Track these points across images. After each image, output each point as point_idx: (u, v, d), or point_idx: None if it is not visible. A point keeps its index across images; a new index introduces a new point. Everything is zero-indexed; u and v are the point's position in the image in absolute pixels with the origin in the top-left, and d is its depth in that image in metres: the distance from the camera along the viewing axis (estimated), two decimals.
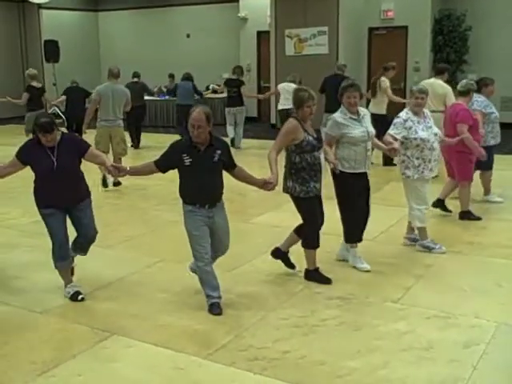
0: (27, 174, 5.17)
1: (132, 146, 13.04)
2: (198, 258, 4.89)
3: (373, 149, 5.93)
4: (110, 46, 20.09)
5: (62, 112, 14.82)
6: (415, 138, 5.97)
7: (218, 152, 4.82)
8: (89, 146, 5.17)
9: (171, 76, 16.54)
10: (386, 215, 7.38)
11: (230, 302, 5.15)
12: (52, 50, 17.87)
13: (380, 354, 4.24)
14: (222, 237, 5.03)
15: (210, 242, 4.91)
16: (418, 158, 6.02)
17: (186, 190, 4.87)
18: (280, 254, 5.71)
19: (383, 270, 5.86)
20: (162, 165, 4.90)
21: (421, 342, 4.39)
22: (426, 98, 6.09)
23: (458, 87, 7.38)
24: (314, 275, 5.54)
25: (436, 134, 6.08)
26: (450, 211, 7.49)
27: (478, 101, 7.67)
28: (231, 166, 4.99)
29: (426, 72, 14.28)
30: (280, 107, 12.26)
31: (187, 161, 4.74)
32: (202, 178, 4.76)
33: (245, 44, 17.20)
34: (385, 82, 10.51)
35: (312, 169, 5.25)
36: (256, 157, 10.96)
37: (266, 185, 5.03)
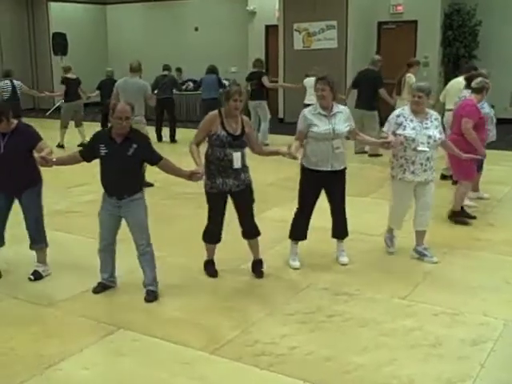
0: None
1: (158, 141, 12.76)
2: (99, 240, 5.18)
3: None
4: (117, 39, 20.07)
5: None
6: (400, 135, 5.68)
7: (134, 146, 4.94)
8: (40, 139, 5.36)
9: (178, 70, 16.51)
10: None
11: (236, 297, 5.15)
12: (60, 43, 17.88)
13: (387, 351, 4.23)
14: (133, 232, 5.10)
15: (131, 233, 5.12)
16: (401, 157, 5.77)
17: (101, 178, 5.10)
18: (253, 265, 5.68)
19: (390, 265, 5.84)
20: (84, 154, 5.14)
21: (428, 339, 4.38)
22: (424, 96, 5.70)
23: (472, 84, 7.16)
24: (207, 267, 5.63)
25: (430, 137, 5.67)
26: (474, 217, 7.19)
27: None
28: (153, 161, 5.10)
29: (435, 67, 14.23)
30: (306, 102, 11.95)
31: (103, 151, 4.95)
32: (113, 169, 4.94)
33: (253, 38, 17.14)
34: (411, 78, 10.44)
35: (220, 164, 5.23)
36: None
37: (193, 175, 5.06)
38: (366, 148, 11.16)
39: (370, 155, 11.08)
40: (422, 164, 5.73)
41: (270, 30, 16.63)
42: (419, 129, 5.70)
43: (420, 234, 6.03)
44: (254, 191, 5.48)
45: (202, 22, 18.40)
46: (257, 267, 5.60)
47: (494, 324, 4.61)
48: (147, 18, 19.44)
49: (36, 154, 5.20)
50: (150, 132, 10.20)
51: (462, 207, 7.16)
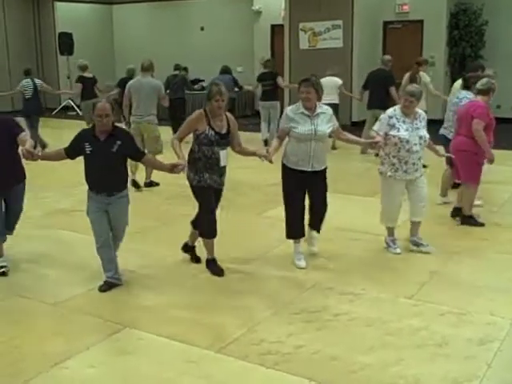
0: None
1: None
2: (95, 239, 5.22)
3: None
4: (123, 38, 20.09)
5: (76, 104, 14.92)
6: (394, 136, 5.77)
7: (118, 143, 5.05)
8: (21, 130, 5.41)
9: (185, 69, 16.45)
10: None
11: (242, 296, 5.14)
12: (66, 43, 17.93)
13: (393, 350, 4.21)
14: (116, 224, 5.27)
15: (111, 226, 5.24)
16: (394, 157, 5.86)
17: (87, 176, 5.18)
18: (187, 248, 5.87)
19: (396, 265, 5.83)
20: (69, 152, 5.20)
21: (435, 339, 4.36)
22: (415, 101, 5.80)
23: (478, 85, 7.04)
24: (210, 265, 5.59)
25: (421, 137, 5.82)
26: (483, 224, 6.98)
27: (468, 98, 7.25)
28: (137, 156, 5.31)
29: (441, 67, 14.19)
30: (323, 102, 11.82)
31: (88, 149, 5.05)
32: (100, 167, 5.04)
33: (258, 37, 17.14)
34: (425, 76, 10.40)
35: (208, 162, 5.32)
36: None
37: (175, 168, 5.15)
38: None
39: (377, 155, 11.04)
40: (414, 164, 5.87)
41: (276, 30, 16.63)
42: (411, 130, 5.82)
43: (415, 225, 6.15)
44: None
45: (208, 22, 18.41)
46: (213, 265, 5.61)
47: (500, 324, 4.59)
48: (153, 17, 19.47)
49: (21, 148, 5.21)
50: (166, 131, 10.21)
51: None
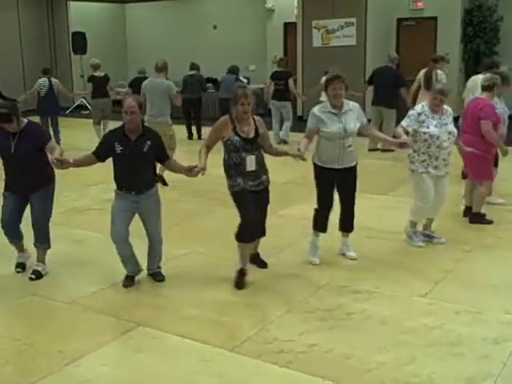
0: None
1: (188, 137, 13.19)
2: (112, 236, 5.21)
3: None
4: (136, 37, 20.15)
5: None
6: (424, 133, 5.83)
7: (148, 143, 5.07)
8: (49, 139, 5.40)
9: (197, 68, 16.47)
10: None
11: (256, 294, 5.14)
12: (79, 42, 18.00)
13: (407, 349, 4.19)
14: (147, 223, 5.30)
15: (143, 225, 5.31)
16: (424, 153, 5.90)
17: (116, 175, 5.17)
18: (254, 259, 5.66)
19: (411, 263, 5.79)
20: (99, 154, 5.17)
21: (449, 338, 4.33)
22: (445, 100, 5.87)
23: (482, 81, 7.00)
24: (239, 277, 5.32)
25: (450, 133, 5.89)
26: (491, 222, 6.91)
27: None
28: (163, 158, 5.28)
29: (455, 64, 14.07)
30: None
31: (118, 149, 5.03)
32: (130, 166, 5.04)
33: (271, 35, 17.11)
34: (442, 74, 10.35)
35: (238, 168, 5.15)
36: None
37: (192, 170, 5.11)
38: (379, 145, 11.18)
39: (383, 150, 11.09)
40: (444, 159, 5.92)
41: (289, 28, 16.60)
42: (440, 126, 5.85)
43: (430, 221, 6.29)
44: (269, 193, 5.41)
45: (221, 20, 18.41)
46: (258, 259, 5.65)
47: None
48: (165, 16, 19.50)
49: (50, 156, 5.14)
50: (181, 130, 10.18)
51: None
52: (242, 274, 5.31)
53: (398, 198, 7.97)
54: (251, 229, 5.25)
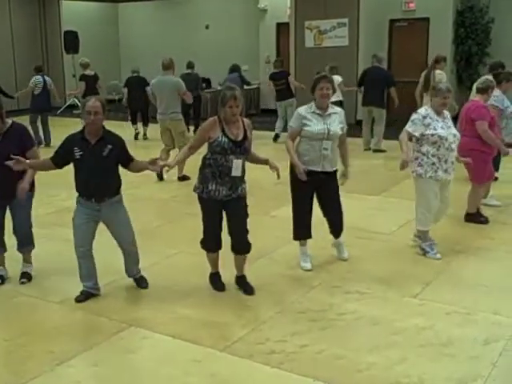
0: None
1: None
2: (75, 248, 5.02)
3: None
4: (129, 37, 20.11)
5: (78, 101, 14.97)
6: (433, 135, 5.68)
7: (109, 147, 4.85)
8: (34, 144, 5.26)
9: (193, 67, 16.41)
10: (405, 209, 7.30)
11: (247, 294, 5.14)
12: (71, 41, 17.96)
13: (398, 350, 4.21)
14: (118, 231, 5.08)
15: (112, 234, 5.09)
16: (433, 156, 5.72)
17: (76, 182, 4.96)
18: (239, 282, 5.31)
19: (401, 264, 5.81)
20: (57, 161, 4.93)
21: (440, 338, 4.35)
22: (450, 97, 5.81)
23: (477, 84, 7.08)
24: (213, 281, 5.30)
25: (455, 136, 5.80)
26: (488, 221, 6.98)
27: (495, 95, 7.36)
28: (126, 163, 5.02)
29: (447, 65, 14.09)
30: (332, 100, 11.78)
31: (77, 154, 4.81)
32: (90, 171, 4.81)
33: (264, 36, 17.10)
34: (442, 75, 10.32)
35: (218, 169, 4.88)
36: (274, 150, 10.96)
37: (155, 163, 4.93)
38: (371, 144, 11.36)
39: (375, 150, 11.16)
40: (452, 162, 5.82)
41: (281, 28, 16.59)
42: (446, 128, 5.76)
43: (422, 232, 6.12)
44: (247, 206, 5.11)
45: (213, 20, 18.39)
46: (243, 283, 5.25)
47: (506, 323, 4.57)
48: (158, 16, 19.47)
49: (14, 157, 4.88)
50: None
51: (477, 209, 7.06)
52: (216, 276, 5.28)
53: (389, 199, 8.00)
54: (211, 241, 5.13)
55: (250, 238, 5.10)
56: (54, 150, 5.02)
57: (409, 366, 4.00)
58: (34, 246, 5.55)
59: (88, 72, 12.68)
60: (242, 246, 5.11)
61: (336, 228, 5.80)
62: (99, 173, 4.83)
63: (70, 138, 4.94)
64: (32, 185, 5.32)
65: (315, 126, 5.42)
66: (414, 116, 5.86)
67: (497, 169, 7.67)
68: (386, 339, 4.35)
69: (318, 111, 5.46)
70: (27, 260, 5.55)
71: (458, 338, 4.35)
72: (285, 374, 3.95)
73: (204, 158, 5.02)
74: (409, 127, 5.82)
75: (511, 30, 13.93)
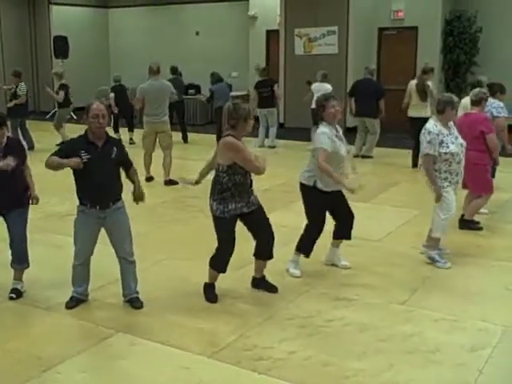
0: None
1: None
2: (74, 255, 4.98)
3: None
4: (119, 42, 20.08)
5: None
6: (446, 153, 5.66)
7: (115, 149, 4.84)
8: (25, 157, 5.18)
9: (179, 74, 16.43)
10: (393, 216, 7.35)
11: (236, 301, 5.14)
12: (61, 46, 17.89)
13: (386, 356, 4.22)
14: (120, 240, 4.98)
15: (112, 243, 4.99)
16: (445, 172, 5.74)
17: (80, 189, 4.85)
18: (257, 282, 5.40)
19: (389, 271, 5.83)
20: (61, 156, 4.72)
21: (427, 345, 4.37)
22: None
23: (471, 96, 7.10)
24: (207, 291, 5.21)
25: (462, 145, 5.81)
26: (481, 228, 7.08)
27: (500, 106, 7.63)
28: (128, 165, 5.03)
29: (435, 74, 14.17)
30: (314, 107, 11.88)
31: (85, 158, 4.65)
32: (99, 175, 4.70)
33: (254, 43, 17.14)
34: (432, 86, 10.54)
35: (237, 188, 4.88)
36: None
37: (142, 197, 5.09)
38: (362, 151, 11.63)
39: (363, 156, 11.32)
40: (461, 172, 5.86)
41: (271, 35, 16.64)
42: (454, 140, 5.77)
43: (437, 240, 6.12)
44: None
45: (203, 27, 18.41)
46: (265, 282, 5.36)
47: (492, 330, 4.60)
48: (149, 21, 19.45)
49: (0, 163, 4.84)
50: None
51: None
52: (212, 287, 5.22)
53: (378, 206, 8.03)
54: (225, 264, 5.08)
55: (238, 243, 5.10)
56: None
57: (396, 373, 4.01)
58: (28, 265, 5.39)
59: (64, 81, 12.85)
60: (270, 254, 5.23)
61: (345, 231, 5.76)
62: (108, 177, 4.77)
63: (74, 141, 4.86)
64: (28, 199, 5.30)
65: (342, 146, 5.44)
66: (429, 137, 5.70)
67: (493, 176, 7.73)
68: (374, 346, 4.37)
69: (333, 130, 5.40)
70: (19, 278, 5.38)
71: (446, 345, 4.38)
72: (272, 380, 3.95)
73: (220, 184, 4.90)
74: (429, 150, 5.69)
75: (499, 39, 14.07)
